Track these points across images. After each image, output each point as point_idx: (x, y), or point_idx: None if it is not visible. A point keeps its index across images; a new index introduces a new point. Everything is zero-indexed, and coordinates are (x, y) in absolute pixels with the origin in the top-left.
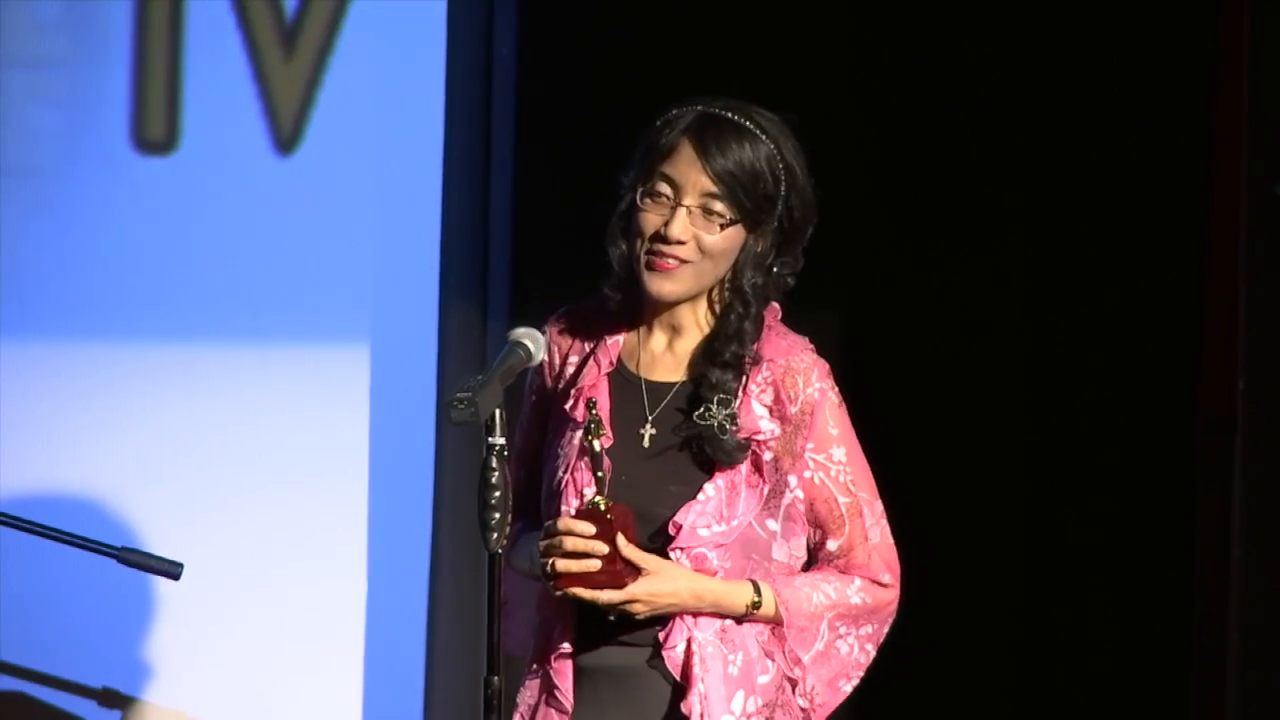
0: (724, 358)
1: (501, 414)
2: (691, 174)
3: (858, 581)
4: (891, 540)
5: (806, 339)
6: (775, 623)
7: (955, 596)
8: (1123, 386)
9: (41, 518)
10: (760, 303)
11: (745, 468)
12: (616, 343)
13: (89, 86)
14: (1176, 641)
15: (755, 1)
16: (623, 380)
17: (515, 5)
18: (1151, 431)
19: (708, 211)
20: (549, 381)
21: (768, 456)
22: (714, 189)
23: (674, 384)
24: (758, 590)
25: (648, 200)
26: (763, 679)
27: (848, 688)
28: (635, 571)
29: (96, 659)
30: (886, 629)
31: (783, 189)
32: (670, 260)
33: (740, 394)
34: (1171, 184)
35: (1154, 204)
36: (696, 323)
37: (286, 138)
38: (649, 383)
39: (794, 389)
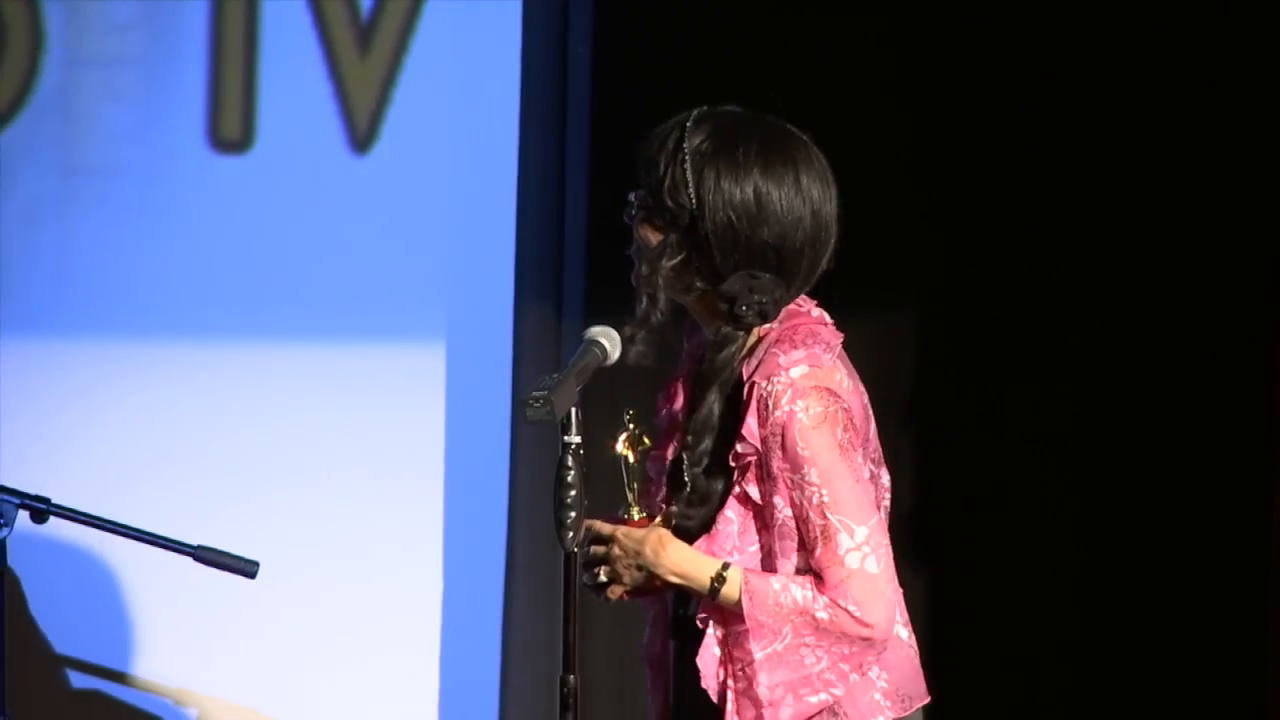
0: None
1: (577, 413)
2: None
3: (823, 599)
4: (877, 572)
5: (814, 352)
6: (735, 609)
7: (1020, 597)
8: (1198, 385)
9: (111, 515)
10: (707, 309)
11: (754, 493)
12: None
13: (165, 85)
14: (1251, 644)
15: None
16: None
17: (591, 4)
18: (1226, 431)
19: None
20: None
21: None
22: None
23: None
24: (725, 567)
25: None
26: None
27: (814, 700)
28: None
29: (172, 658)
30: (873, 657)
31: (668, 173)
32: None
33: (739, 416)
34: (1247, 179)
35: (1229, 199)
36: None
37: (362, 136)
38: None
39: (764, 411)
